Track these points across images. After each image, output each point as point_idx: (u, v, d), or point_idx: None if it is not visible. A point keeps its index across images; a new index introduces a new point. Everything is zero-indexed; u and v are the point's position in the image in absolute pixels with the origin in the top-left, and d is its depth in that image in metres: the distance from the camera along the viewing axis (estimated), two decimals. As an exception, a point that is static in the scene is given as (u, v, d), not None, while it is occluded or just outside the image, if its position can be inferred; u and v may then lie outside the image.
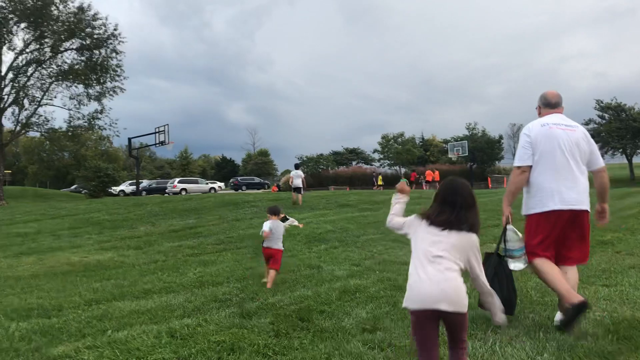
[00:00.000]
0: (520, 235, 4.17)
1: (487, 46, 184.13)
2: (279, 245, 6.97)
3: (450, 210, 2.82)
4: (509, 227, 4.16)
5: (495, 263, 4.14)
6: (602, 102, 43.93)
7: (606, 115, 44.04)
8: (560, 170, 4.01)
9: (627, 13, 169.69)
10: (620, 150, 43.50)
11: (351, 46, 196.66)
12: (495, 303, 2.95)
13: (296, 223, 13.12)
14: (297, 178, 20.80)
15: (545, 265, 4.00)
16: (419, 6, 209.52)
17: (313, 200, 18.43)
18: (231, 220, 14.24)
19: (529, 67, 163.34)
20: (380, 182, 46.26)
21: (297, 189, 20.62)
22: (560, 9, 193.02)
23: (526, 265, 4.14)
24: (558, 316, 4.04)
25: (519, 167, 4.15)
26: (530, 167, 4.11)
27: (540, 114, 4.40)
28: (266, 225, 6.95)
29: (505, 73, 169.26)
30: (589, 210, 4.09)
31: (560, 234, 4.04)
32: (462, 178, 3.12)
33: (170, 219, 15.21)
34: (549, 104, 4.36)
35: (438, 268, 2.66)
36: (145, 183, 50.66)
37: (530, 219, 4.15)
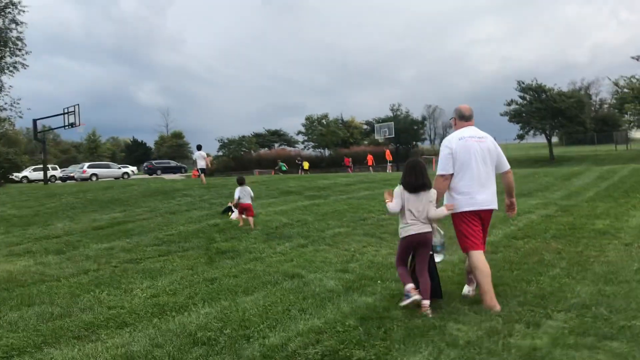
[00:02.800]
0: (442, 232, 5.09)
1: (401, 30, 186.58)
2: (249, 200, 10.93)
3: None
4: (434, 225, 4.92)
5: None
6: (523, 83, 44.79)
7: (527, 97, 45.09)
8: (475, 177, 4.78)
9: (531, 1, 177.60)
10: (540, 130, 44.67)
11: (266, 27, 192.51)
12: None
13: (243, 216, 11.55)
14: (201, 159, 22.04)
15: (481, 263, 4.74)
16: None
17: (253, 187, 16.74)
18: (165, 214, 12.41)
19: (441, 51, 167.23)
20: (306, 167, 45.02)
21: (202, 170, 21.79)
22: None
23: (445, 257, 5.32)
24: (466, 289, 5.14)
25: (442, 175, 4.87)
26: (452, 175, 4.84)
27: (455, 125, 5.11)
28: (236, 193, 10.86)
29: (418, 56, 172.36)
30: (497, 208, 4.97)
31: (480, 227, 4.87)
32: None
33: (91, 212, 13.12)
34: (464, 117, 5.09)
35: None
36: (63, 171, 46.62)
37: (462, 216, 4.83)
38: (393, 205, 4.77)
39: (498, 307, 4.52)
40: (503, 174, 5.10)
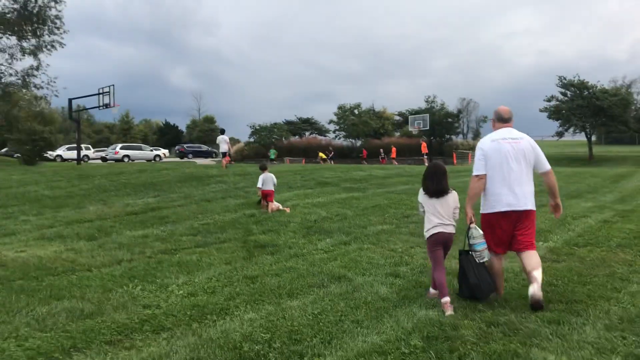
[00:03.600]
0: (481, 232, 4.94)
1: (436, 18, 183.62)
2: (271, 187, 11.16)
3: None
4: (472, 225, 4.96)
5: (463, 258, 5.01)
6: (564, 78, 43.14)
7: (568, 93, 43.57)
8: (507, 178, 4.80)
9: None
10: (581, 128, 43.14)
11: (301, 12, 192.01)
12: None
13: (281, 207, 11.10)
14: (223, 143, 22.68)
15: (495, 265, 4.96)
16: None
17: (286, 176, 16.28)
18: (200, 201, 12.02)
19: (476, 42, 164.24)
20: (323, 156, 44.69)
21: (224, 154, 22.75)
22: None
23: (488, 258, 4.92)
24: (531, 288, 4.69)
25: (476, 176, 4.93)
26: (485, 175, 4.88)
27: (494, 127, 5.16)
28: (260, 181, 11.19)
29: (452, 47, 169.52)
30: (534, 208, 4.91)
31: (509, 230, 4.87)
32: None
33: (124, 195, 12.83)
34: (502, 119, 5.12)
35: None
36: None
37: (486, 217, 4.96)
38: (420, 210, 5.15)
39: (499, 293, 5.00)
40: (543, 174, 5.08)
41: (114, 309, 4.73)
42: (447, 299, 4.62)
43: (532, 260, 4.81)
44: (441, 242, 4.93)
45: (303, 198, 12.57)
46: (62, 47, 30.66)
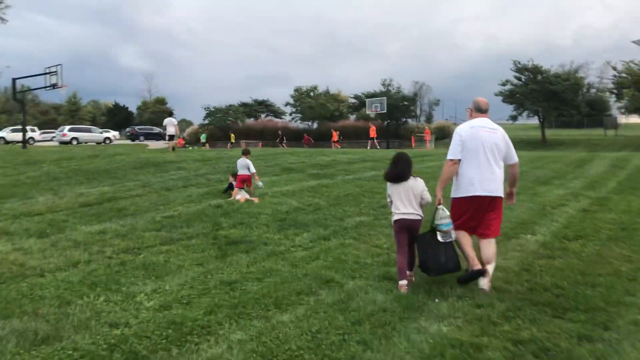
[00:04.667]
0: (448, 212, 5.10)
1: (389, 3, 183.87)
2: (245, 171, 10.78)
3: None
4: (440, 207, 5.10)
5: (428, 237, 5.17)
6: (519, 63, 43.52)
7: (522, 77, 44.01)
8: (481, 164, 5.01)
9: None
10: (534, 112, 43.67)
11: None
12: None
13: (249, 197, 10.45)
14: (171, 126, 23.35)
15: (464, 237, 5.15)
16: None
17: None
18: (160, 190, 11.21)
19: (428, 27, 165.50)
20: (232, 140, 44.24)
21: (171, 137, 23.47)
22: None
23: (454, 238, 5.11)
24: (481, 282, 4.95)
25: (451, 160, 5.09)
26: (460, 160, 5.07)
27: (471, 116, 5.34)
28: (238, 164, 10.97)
29: (405, 31, 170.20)
30: (502, 196, 5.15)
31: (479, 214, 5.08)
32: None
33: (76, 184, 11.86)
34: (480, 110, 5.31)
35: None
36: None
37: (457, 201, 5.17)
38: (388, 200, 5.46)
39: (478, 265, 4.97)
40: (510, 165, 5.36)
41: (75, 329, 4.02)
42: (404, 281, 5.06)
43: (490, 250, 5.10)
44: (405, 227, 5.19)
45: (270, 186, 11.92)
46: (4, 23, 28.77)
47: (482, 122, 5.19)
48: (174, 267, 6.00)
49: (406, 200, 5.16)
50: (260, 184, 11.29)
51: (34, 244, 7.03)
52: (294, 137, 48.54)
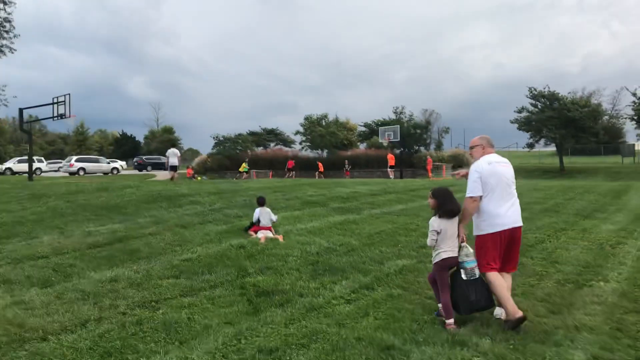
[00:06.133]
0: (472, 250, 5.21)
1: (395, 32, 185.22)
2: (269, 223, 9.78)
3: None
4: (464, 244, 5.20)
5: (457, 278, 5.16)
6: (534, 89, 42.80)
7: (539, 104, 43.18)
8: (504, 197, 5.20)
9: (525, 8, 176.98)
10: (552, 139, 42.71)
11: (262, 24, 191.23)
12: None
13: (271, 235, 9.55)
14: (173, 157, 24.02)
15: (497, 279, 5.05)
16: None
17: (266, 193, 14.55)
18: (175, 227, 10.32)
19: (434, 55, 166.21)
20: (242, 169, 41.78)
21: (173, 167, 24.00)
22: (463, 1, 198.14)
23: (478, 275, 5.12)
24: (497, 310, 5.20)
25: (471, 197, 5.21)
26: (481, 197, 5.21)
27: (483, 152, 5.50)
28: (256, 214, 9.91)
29: (411, 60, 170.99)
30: (522, 225, 5.31)
31: (505, 249, 5.19)
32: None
33: (84, 221, 10.98)
34: (491, 145, 5.58)
35: None
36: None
37: (483, 238, 5.21)
38: (431, 237, 5.24)
39: (520, 313, 4.88)
40: None
41: None
42: (452, 320, 4.96)
43: (507, 282, 5.26)
44: (451, 266, 5.19)
45: (293, 222, 11.01)
46: (12, 53, 28.36)
47: (496, 158, 5.37)
48: (200, 327, 5.08)
49: (455, 237, 5.19)
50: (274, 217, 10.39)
51: (37, 295, 6.14)
52: (304, 167, 47.66)
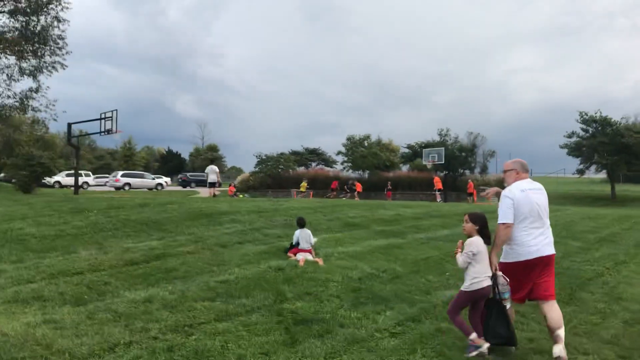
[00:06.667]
0: (507, 280, 4.96)
1: (440, 54, 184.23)
2: (308, 246, 9.42)
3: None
4: (499, 273, 4.96)
5: (498, 307, 4.93)
6: (586, 114, 41.45)
7: (590, 129, 41.76)
8: (536, 225, 5.01)
9: (577, 31, 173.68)
10: (603, 166, 41.12)
11: (308, 45, 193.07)
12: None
13: (310, 257, 9.19)
14: (212, 173, 24.31)
15: (511, 309, 5.14)
16: (379, 10, 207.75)
17: (305, 214, 14.06)
18: (213, 246, 10.07)
19: (479, 78, 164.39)
20: (302, 189, 42.14)
21: (212, 184, 24.37)
22: (512, 23, 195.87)
23: (509, 306, 5.03)
24: (556, 349, 4.71)
25: (504, 224, 4.99)
26: (513, 224, 4.99)
27: (517, 177, 5.31)
28: (295, 237, 9.64)
29: (456, 81, 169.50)
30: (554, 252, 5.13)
31: (539, 276, 4.99)
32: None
33: (123, 237, 10.87)
34: (526, 170, 5.40)
35: None
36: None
37: (513, 265, 5.04)
38: (465, 258, 4.91)
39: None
40: None
41: None
42: (474, 335, 4.82)
43: (556, 314, 4.90)
44: (484, 296, 4.96)
45: (334, 245, 10.62)
46: (64, 69, 29.04)
47: (529, 185, 5.21)
48: (234, 357, 4.73)
49: (488, 264, 4.96)
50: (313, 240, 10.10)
51: (68, 314, 5.92)
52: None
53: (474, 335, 4.80)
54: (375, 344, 5.21)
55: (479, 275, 4.85)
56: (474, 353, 4.74)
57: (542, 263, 4.99)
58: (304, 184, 42.62)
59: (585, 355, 4.96)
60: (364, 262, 9.01)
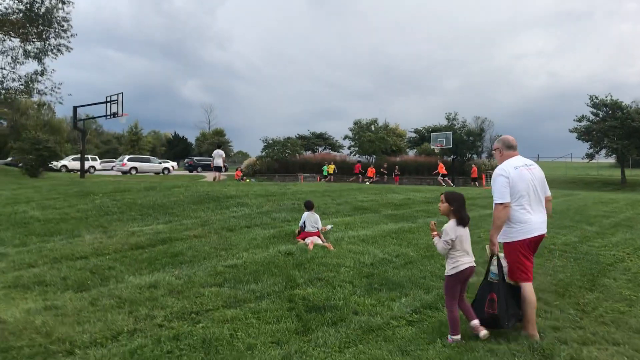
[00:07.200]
0: (505, 263, 4.91)
1: (448, 38, 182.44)
2: (316, 229, 9.17)
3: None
4: (501, 255, 4.93)
5: (505, 287, 4.84)
6: (596, 97, 40.68)
7: (600, 113, 41.06)
8: (533, 203, 4.91)
9: (584, 16, 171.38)
10: (614, 150, 40.44)
11: (313, 30, 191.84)
12: None
13: (319, 241, 8.93)
14: (218, 158, 23.91)
15: (532, 295, 4.83)
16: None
17: (314, 198, 13.78)
18: (221, 230, 9.82)
19: (487, 63, 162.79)
20: (331, 171, 41.65)
21: (217, 168, 24.01)
22: (520, 7, 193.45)
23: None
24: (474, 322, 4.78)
25: (502, 204, 4.83)
26: (509, 203, 4.83)
27: (501, 155, 5.20)
28: (302, 219, 9.32)
29: (463, 67, 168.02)
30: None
31: (532, 255, 4.96)
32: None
33: (129, 220, 10.63)
34: (511, 147, 5.20)
35: None
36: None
37: (515, 245, 4.88)
38: (444, 245, 4.76)
39: (537, 336, 4.72)
40: (545, 198, 5.13)
41: None
42: (477, 321, 4.74)
43: (533, 296, 4.85)
44: (469, 277, 4.84)
45: (344, 229, 10.35)
46: (69, 52, 28.72)
47: (521, 161, 5.07)
48: (243, 346, 4.48)
49: (469, 244, 4.86)
50: (329, 226, 9.88)
51: (70, 300, 5.69)
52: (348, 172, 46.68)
53: (474, 322, 4.78)
54: (392, 332, 4.95)
55: (459, 258, 4.72)
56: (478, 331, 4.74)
57: (537, 240, 4.95)
58: (332, 166, 42.04)
59: (615, 345, 4.67)
60: (376, 247, 8.74)
